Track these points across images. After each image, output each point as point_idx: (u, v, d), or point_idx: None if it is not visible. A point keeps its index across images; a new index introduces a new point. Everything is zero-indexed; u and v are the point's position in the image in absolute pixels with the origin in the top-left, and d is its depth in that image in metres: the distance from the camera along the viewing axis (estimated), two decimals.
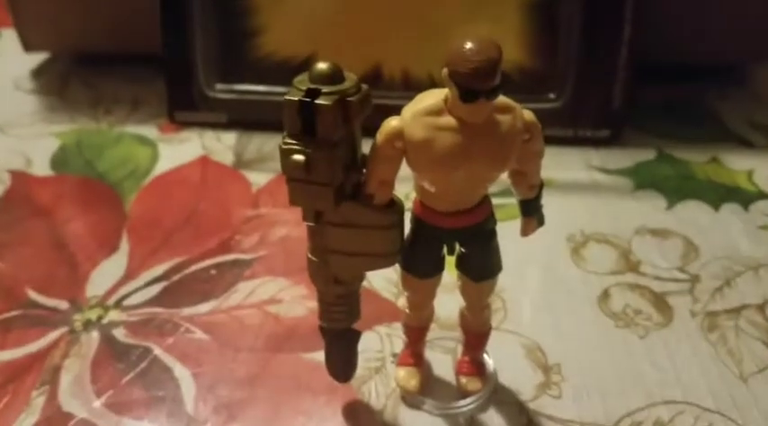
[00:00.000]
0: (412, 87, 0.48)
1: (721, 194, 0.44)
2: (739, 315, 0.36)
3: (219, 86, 0.50)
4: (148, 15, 0.49)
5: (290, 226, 0.42)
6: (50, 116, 0.53)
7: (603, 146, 0.48)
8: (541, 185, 0.28)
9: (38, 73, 0.59)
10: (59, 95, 0.56)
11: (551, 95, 0.47)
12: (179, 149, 0.49)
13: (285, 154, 0.24)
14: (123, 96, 0.55)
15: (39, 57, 0.60)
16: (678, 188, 0.45)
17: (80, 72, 0.58)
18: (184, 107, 0.50)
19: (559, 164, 0.46)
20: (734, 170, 0.46)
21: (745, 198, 0.44)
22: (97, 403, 0.32)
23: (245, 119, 0.50)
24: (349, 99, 0.24)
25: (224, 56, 0.49)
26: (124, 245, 0.41)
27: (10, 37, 0.59)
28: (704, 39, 0.51)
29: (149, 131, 0.51)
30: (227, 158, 0.48)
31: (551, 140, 0.47)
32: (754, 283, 0.37)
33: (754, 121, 0.51)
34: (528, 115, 0.25)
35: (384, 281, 0.37)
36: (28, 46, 0.56)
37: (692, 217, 0.42)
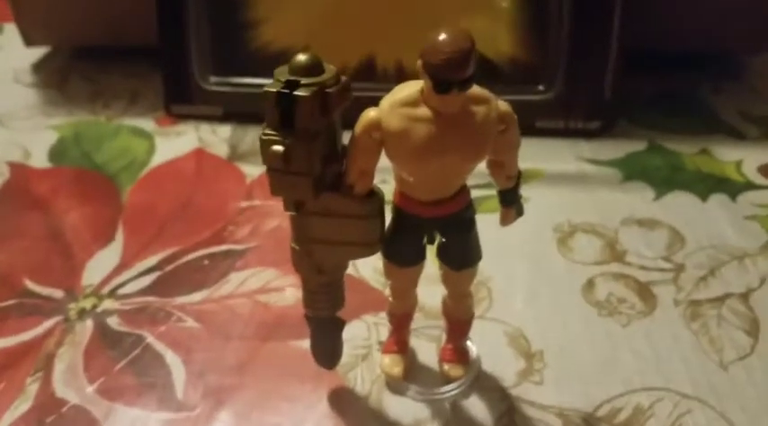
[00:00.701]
0: (405, 79, 0.47)
1: (710, 185, 0.44)
2: (722, 303, 0.36)
3: (214, 79, 0.50)
4: (147, 9, 0.50)
5: (283, 217, 0.42)
6: (49, 109, 0.54)
7: (594, 138, 0.48)
8: (519, 175, 0.28)
9: (38, 67, 0.59)
10: (59, 89, 0.56)
11: (542, 87, 0.48)
12: (175, 142, 0.50)
13: (265, 144, 0.25)
14: (121, 90, 0.56)
15: (39, 52, 0.61)
16: (667, 179, 0.45)
17: (79, 66, 0.59)
18: (180, 100, 0.51)
19: (549, 156, 0.46)
20: (723, 161, 0.47)
21: (733, 188, 0.44)
22: (90, 390, 0.33)
23: (241, 111, 0.51)
24: (328, 90, 0.25)
25: (219, 49, 0.50)
26: (119, 236, 0.41)
27: (11, 31, 0.60)
28: (697, 29, 0.51)
29: (146, 124, 0.52)
30: (221, 150, 0.49)
31: (542, 132, 0.49)
32: (739, 272, 0.38)
33: (748, 113, 0.52)
34: (503, 106, 0.25)
35: (372, 271, 0.38)
36: (28, 40, 0.57)
37: (679, 207, 0.43)
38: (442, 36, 0.23)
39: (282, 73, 0.25)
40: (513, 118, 0.25)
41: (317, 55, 0.25)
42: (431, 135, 0.24)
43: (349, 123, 0.26)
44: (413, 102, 0.25)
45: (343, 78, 0.25)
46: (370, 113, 0.25)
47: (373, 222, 0.27)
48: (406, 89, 0.25)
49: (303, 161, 0.25)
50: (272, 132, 0.25)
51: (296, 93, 0.24)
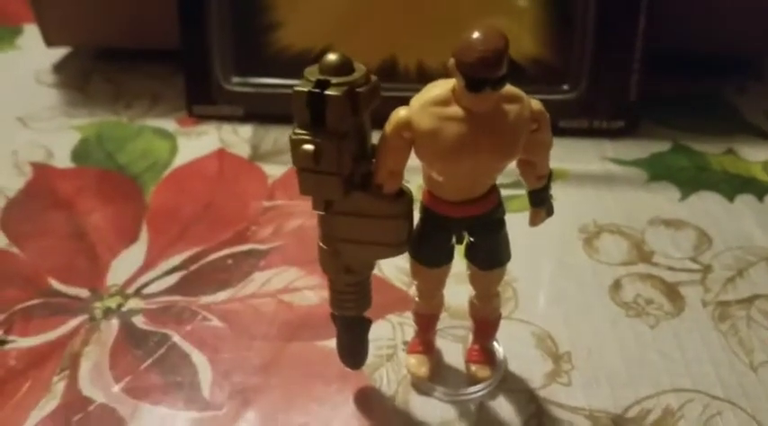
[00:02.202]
0: (427, 79, 0.47)
1: (736, 185, 0.44)
2: (751, 304, 0.36)
3: (236, 80, 0.50)
4: (168, 11, 0.50)
5: (305, 216, 0.42)
6: (71, 110, 0.54)
7: (618, 138, 0.48)
8: (550, 175, 0.28)
9: (59, 67, 0.60)
10: (80, 90, 0.57)
11: (566, 87, 0.47)
12: (197, 142, 0.50)
13: (295, 144, 0.25)
14: (143, 91, 0.56)
15: (60, 52, 0.61)
16: (693, 179, 0.45)
17: (101, 67, 0.59)
18: (202, 101, 0.51)
19: (574, 156, 0.46)
20: (749, 161, 0.46)
21: (759, 189, 0.44)
22: (116, 389, 0.33)
23: (262, 112, 0.51)
24: (358, 90, 0.25)
25: (240, 50, 0.50)
26: (143, 236, 0.42)
27: (32, 32, 0.60)
28: (721, 30, 0.50)
29: (168, 125, 0.52)
30: (243, 151, 0.49)
31: (566, 132, 0.48)
32: (767, 274, 0.37)
33: None
34: (536, 104, 0.25)
35: (396, 270, 0.38)
36: (49, 41, 0.57)
37: (705, 208, 0.42)
38: (476, 34, 0.22)
39: (313, 72, 0.25)
40: (545, 117, 0.25)
41: (346, 54, 0.25)
42: (462, 134, 0.24)
43: (376, 122, 0.26)
44: (444, 101, 0.24)
45: (373, 78, 0.25)
46: (401, 112, 0.25)
47: (402, 222, 0.27)
48: (436, 88, 0.25)
49: (333, 160, 0.25)
50: (303, 131, 0.25)
51: (327, 92, 0.24)
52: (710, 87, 0.54)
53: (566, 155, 0.46)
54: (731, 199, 0.43)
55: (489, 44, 0.22)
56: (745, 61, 0.56)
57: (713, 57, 0.54)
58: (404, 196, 0.27)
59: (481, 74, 0.23)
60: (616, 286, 0.37)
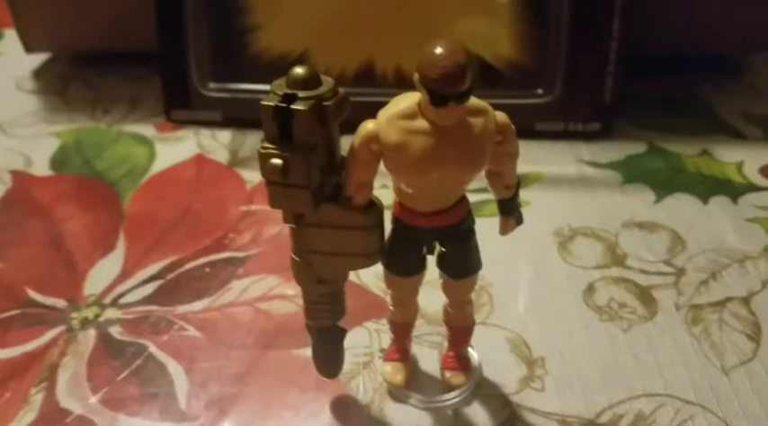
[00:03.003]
0: (405, 84, 0.47)
1: (710, 187, 0.44)
2: (724, 307, 0.36)
3: (213, 85, 0.50)
4: (146, 14, 0.50)
5: (283, 224, 0.42)
6: (51, 116, 0.54)
7: (594, 140, 0.48)
8: (518, 184, 0.28)
9: (39, 73, 0.60)
10: (60, 95, 0.56)
11: (541, 90, 0.47)
12: (175, 148, 0.50)
13: (263, 158, 0.25)
14: (122, 95, 0.56)
15: (39, 58, 0.61)
16: (667, 181, 0.45)
17: (80, 72, 0.59)
18: (180, 106, 0.51)
19: (549, 159, 0.46)
20: (724, 162, 0.47)
21: (734, 190, 0.44)
22: (93, 400, 0.33)
23: (240, 117, 0.51)
24: (325, 103, 0.25)
25: (218, 54, 0.50)
26: (121, 244, 0.42)
27: (11, 38, 0.60)
28: (698, 29, 0.51)
29: (146, 130, 0.52)
30: (222, 156, 0.49)
31: (542, 134, 0.49)
32: (740, 276, 0.38)
33: (749, 113, 0.52)
34: (501, 117, 0.25)
35: (373, 277, 0.38)
36: (29, 47, 0.57)
37: (680, 210, 0.43)
38: (438, 50, 0.23)
39: (279, 86, 0.25)
40: (510, 129, 0.26)
41: (314, 67, 0.25)
42: (429, 147, 0.24)
43: (348, 130, 0.26)
44: (410, 115, 0.25)
45: (341, 90, 0.25)
46: (368, 126, 0.25)
47: (373, 233, 0.27)
48: (403, 101, 0.25)
49: (301, 173, 0.25)
50: (270, 145, 0.25)
51: (293, 106, 0.24)
52: (687, 87, 0.54)
53: (541, 157, 0.46)
54: (705, 201, 0.43)
55: (452, 59, 0.22)
56: (721, 59, 0.57)
57: (689, 56, 0.54)
58: (374, 207, 0.27)
59: (444, 89, 0.23)
60: (590, 290, 0.37)
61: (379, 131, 0.25)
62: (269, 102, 0.25)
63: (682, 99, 0.53)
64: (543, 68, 0.47)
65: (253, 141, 0.50)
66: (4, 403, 0.33)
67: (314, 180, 0.25)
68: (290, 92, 0.25)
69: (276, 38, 0.50)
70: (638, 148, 0.48)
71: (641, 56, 0.48)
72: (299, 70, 0.25)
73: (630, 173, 0.46)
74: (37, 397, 0.33)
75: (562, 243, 0.40)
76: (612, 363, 0.33)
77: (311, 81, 0.25)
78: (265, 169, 0.25)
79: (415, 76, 0.23)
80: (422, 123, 0.24)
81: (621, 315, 0.36)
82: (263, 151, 0.25)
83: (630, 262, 0.39)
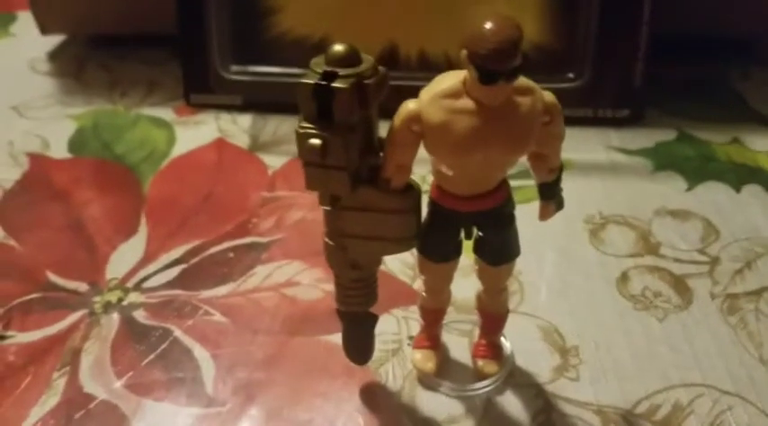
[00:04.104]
0: (428, 68, 0.47)
1: (742, 175, 0.43)
2: (760, 297, 0.35)
3: (235, 68, 0.49)
4: None
5: (306, 209, 0.42)
6: (67, 98, 0.53)
7: (623, 127, 0.47)
8: (561, 168, 0.27)
9: (54, 55, 0.59)
10: (76, 78, 0.56)
11: (571, 75, 0.47)
12: (195, 132, 0.49)
13: (301, 138, 0.24)
14: (139, 79, 0.55)
15: (55, 40, 0.60)
16: (699, 169, 0.44)
17: (96, 54, 0.58)
18: (200, 90, 0.50)
19: (578, 145, 0.45)
20: (756, 151, 0.46)
21: (766, 179, 0.43)
22: (118, 385, 0.32)
23: (261, 101, 0.50)
24: (366, 82, 0.24)
25: (239, 37, 0.49)
26: (143, 228, 0.41)
27: (26, 19, 0.59)
28: (725, 15, 0.50)
29: (165, 114, 0.51)
30: (242, 141, 0.48)
31: (570, 121, 0.46)
32: None
33: None
34: (548, 97, 0.25)
35: (401, 265, 0.37)
36: (44, 29, 0.56)
37: (712, 198, 0.42)
38: (489, 25, 0.22)
39: (319, 64, 0.24)
40: (558, 109, 0.25)
41: (353, 45, 0.24)
42: (473, 127, 0.24)
43: (385, 114, 0.26)
44: (454, 94, 0.24)
45: (381, 69, 0.25)
46: (410, 106, 0.24)
47: (409, 217, 0.27)
48: (446, 80, 0.24)
49: (340, 155, 0.24)
50: (309, 125, 0.24)
51: (334, 84, 0.23)
52: (715, 73, 0.53)
53: (570, 144, 0.44)
54: (738, 189, 0.42)
55: (503, 35, 0.22)
56: (748, 46, 0.55)
57: (717, 42, 0.53)
58: (412, 190, 0.26)
59: (495, 66, 0.22)
60: (623, 278, 0.37)
61: (421, 111, 0.24)
62: (308, 80, 0.24)
63: (709, 85, 0.52)
64: (572, 53, 0.46)
65: (273, 125, 0.49)
66: (26, 387, 0.32)
67: (352, 161, 0.25)
68: (329, 69, 0.24)
69: (298, 20, 0.49)
70: (667, 136, 0.47)
71: (669, 42, 0.47)
72: (339, 47, 0.24)
73: (661, 160, 0.45)
74: (59, 382, 0.32)
75: (593, 230, 0.40)
76: (648, 353, 0.33)
77: (351, 58, 0.24)
78: (303, 149, 0.24)
79: (463, 53, 0.23)
80: (467, 102, 0.24)
81: (656, 305, 0.35)
82: (301, 131, 0.24)
83: (664, 251, 0.38)
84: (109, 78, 0.55)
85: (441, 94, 0.24)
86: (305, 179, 0.25)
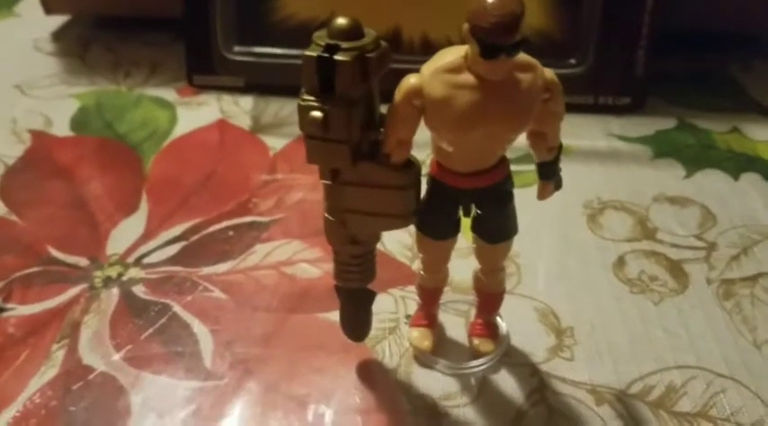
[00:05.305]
0: (431, 51, 0.47)
1: (741, 164, 0.44)
2: (755, 283, 0.36)
3: (238, 49, 0.49)
4: None
5: (306, 190, 0.42)
6: (70, 78, 0.53)
7: (624, 114, 0.48)
8: (560, 148, 0.27)
9: (58, 35, 0.59)
10: (79, 58, 0.56)
11: (572, 61, 0.47)
12: (197, 112, 0.49)
13: (303, 110, 0.24)
14: (142, 59, 0.55)
15: (59, 20, 0.60)
16: (698, 157, 0.44)
17: (100, 35, 0.58)
18: (203, 71, 0.50)
19: (579, 132, 0.46)
20: (755, 140, 0.46)
21: (764, 168, 0.43)
22: (116, 357, 0.32)
23: (263, 83, 0.50)
24: (368, 55, 0.24)
25: (243, 18, 0.49)
26: (143, 205, 0.41)
27: (28, 0, 0.59)
28: (727, 7, 0.50)
29: (168, 94, 0.51)
30: (244, 122, 0.48)
31: (571, 107, 0.47)
32: None
33: None
34: (549, 74, 0.25)
35: (398, 245, 0.38)
36: (48, 8, 0.57)
37: (710, 185, 0.42)
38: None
39: (322, 37, 0.24)
40: (558, 86, 0.25)
41: (356, 18, 0.25)
42: (474, 102, 0.24)
43: (386, 96, 0.26)
44: (456, 69, 0.24)
45: (383, 43, 0.25)
46: (411, 80, 0.25)
47: (409, 193, 0.27)
48: (448, 55, 0.24)
49: (342, 128, 0.24)
50: (311, 98, 0.24)
51: (336, 57, 0.24)
52: (716, 64, 0.53)
53: (570, 130, 0.45)
54: (736, 177, 0.43)
55: (506, 8, 0.22)
56: (750, 38, 0.56)
57: (719, 34, 0.53)
58: (412, 166, 0.26)
59: (497, 39, 0.22)
60: (620, 262, 0.37)
61: (422, 85, 0.24)
62: (311, 53, 0.24)
63: (710, 76, 0.52)
64: (575, 40, 0.46)
65: (275, 107, 0.50)
66: (26, 359, 0.33)
67: (354, 135, 0.25)
68: (332, 42, 0.24)
69: (301, 3, 0.49)
70: (667, 124, 0.47)
71: (670, 31, 0.47)
72: (341, 20, 0.24)
73: (660, 147, 0.45)
74: (58, 354, 0.33)
75: (591, 215, 0.40)
76: (643, 335, 0.33)
77: (354, 32, 0.24)
78: (305, 122, 0.24)
79: (464, 27, 0.23)
80: (468, 77, 0.24)
81: (652, 288, 0.35)
82: (303, 103, 0.24)
83: (661, 236, 0.38)
84: (112, 59, 0.55)
85: (442, 69, 0.24)
86: (306, 152, 0.25)
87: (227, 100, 0.50)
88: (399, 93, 0.25)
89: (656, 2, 0.45)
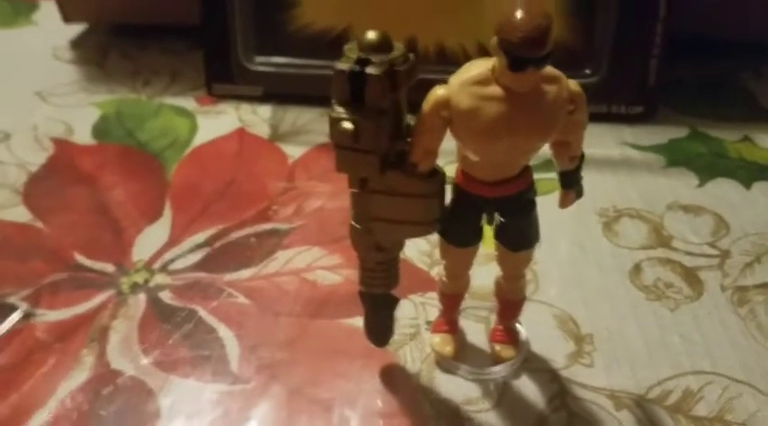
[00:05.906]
0: (446, 61, 0.48)
1: (753, 172, 0.44)
2: None
3: (258, 59, 0.50)
4: None
5: (325, 197, 0.43)
6: (90, 86, 0.54)
7: (637, 123, 0.48)
8: (582, 157, 0.28)
9: (76, 44, 0.60)
10: (98, 66, 0.57)
11: (586, 71, 0.47)
12: (216, 121, 0.50)
13: (334, 122, 0.25)
14: (161, 68, 0.56)
15: (77, 28, 0.61)
16: (710, 166, 0.45)
17: (118, 43, 0.59)
18: (222, 80, 0.51)
19: (592, 140, 0.45)
20: (766, 149, 0.46)
21: None
22: (145, 362, 0.33)
23: (281, 92, 0.51)
24: (397, 68, 0.25)
25: (261, 28, 0.50)
26: (167, 212, 0.42)
27: (48, 7, 0.60)
28: (739, 17, 0.51)
29: (187, 103, 0.52)
30: (262, 131, 0.49)
31: None
32: None
33: None
34: (573, 85, 0.26)
35: (418, 252, 0.38)
36: (67, 17, 0.57)
37: (723, 194, 0.43)
38: (520, 13, 0.23)
39: (352, 50, 0.25)
40: (582, 97, 0.26)
41: (386, 32, 0.25)
42: (501, 114, 0.25)
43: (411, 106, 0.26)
44: (483, 81, 0.25)
45: (411, 56, 0.26)
46: (439, 91, 0.25)
47: (434, 201, 0.27)
48: (475, 67, 0.25)
49: (371, 138, 0.25)
50: (342, 109, 0.25)
51: (367, 71, 0.24)
52: (727, 73, 0.54)
53: (584, 139, 0.46)
54: (748, 186, 0.43)
55: (534, 22, 0.22)
56: (761, 47, 0.56)
57: (730, 43, 0.54)
58: (437, 175, 0.27)
59: (525, 53, 0.23)
60: (636, 270, 0.37)
61: (450, 97, 0.25)
62: (343, 66, 0.25)
63: (722, 85, 0.53)
64: (588, 50, 0.47)
65: (293, 116, 0.50)
66: (55, 363, 0.33)
67: (382, 145, 0.26)
68: (363, 56, 0.25)
69: (319, 13, 0.50)
70: (680, 133, 0.48)
71: (683, 41, 0.48)
72: (371, 35, 0.25)
73: (673, 156, 0.46)
74: (88, 358, 0.33)
75: (607, 223, 0.40)
76: (660, 341, 0.34)
77: (384, 46, 0.25)
78: (336, 133, 0.25)
79: (493, 40, 0.23)
80: (495, 89, 0.25)
81: (668, 295, 0.36)
82: (334, 115, 0.25)
83: (676, 244, 0.39)
84: (131, 67, 0.56)
85: (470, 81, 0.25)
86: (336, 161, 0.26)
87: (246, 108, 0.51)
88: (427, 104, 0.26)
89: (669, 11, 0.46)
